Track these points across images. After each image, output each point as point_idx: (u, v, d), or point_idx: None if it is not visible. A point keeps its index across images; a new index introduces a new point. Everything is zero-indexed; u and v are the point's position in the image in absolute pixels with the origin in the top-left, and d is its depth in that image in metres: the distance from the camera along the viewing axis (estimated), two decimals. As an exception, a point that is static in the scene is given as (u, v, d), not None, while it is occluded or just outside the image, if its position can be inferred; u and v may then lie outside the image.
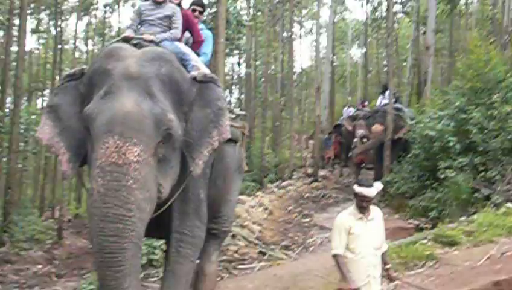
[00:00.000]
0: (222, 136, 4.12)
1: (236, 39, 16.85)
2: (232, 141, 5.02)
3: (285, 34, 25.67)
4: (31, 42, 34.32)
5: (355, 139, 16.67)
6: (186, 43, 5.05)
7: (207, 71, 4.66)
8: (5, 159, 16.06)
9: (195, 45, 5.21)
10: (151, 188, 3.46)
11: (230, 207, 5.85)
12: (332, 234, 4.39)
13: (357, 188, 4.30)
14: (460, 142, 10.33)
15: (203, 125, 4.06)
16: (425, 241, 8.07)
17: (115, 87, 3.54)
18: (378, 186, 4.47)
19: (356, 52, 40.91)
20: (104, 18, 32.96)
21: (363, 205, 4.29)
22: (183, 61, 4.42)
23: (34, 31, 31.84)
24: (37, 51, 34.63)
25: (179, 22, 4.71)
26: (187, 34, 5.16)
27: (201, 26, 5.60)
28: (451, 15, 21.38)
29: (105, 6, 32.02)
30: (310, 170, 18.40)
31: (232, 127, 4.85)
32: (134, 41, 4.28)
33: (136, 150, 3.30)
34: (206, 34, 5.58)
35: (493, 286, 5.60)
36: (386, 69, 26.95)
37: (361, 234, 4.26)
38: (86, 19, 32.01)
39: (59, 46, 24.65)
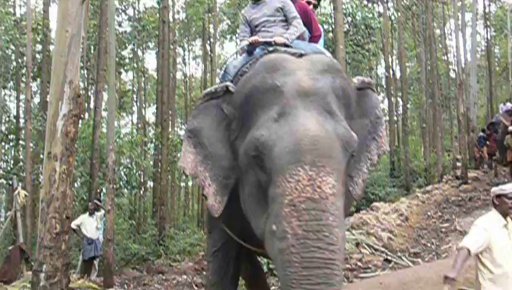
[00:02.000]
0: (381, 149, 3.62)
1: (367, 43, 16.49)
2: None
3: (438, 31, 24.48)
4: (192, 68, 37.17)
5: (507, 136, 15.47)
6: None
7: None
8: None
9: (313, 39, 4.57)
10: (344, 222, 2.96)
11: None
12: (471, 230, 3.94)
13: (499, 189, 3.88)
14: None
15: (361, 139, 3.40)
16: None
17: (289, 107, 2.95)
18: None
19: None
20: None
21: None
22: None
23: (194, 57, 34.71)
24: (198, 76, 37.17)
25: (293, 9, 4.18)
26: None
27: None
28: None
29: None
30: (459, 172, 17.21)
31: None
32: (270, 48, 3.76)
33: (330, 180, 2.76)
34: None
35: None
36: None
37: (506, 246, 3.82)
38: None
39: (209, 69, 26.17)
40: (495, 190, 3.92)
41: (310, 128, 2.81)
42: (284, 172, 2.74)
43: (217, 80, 4.35)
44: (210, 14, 28.39)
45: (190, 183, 35.12)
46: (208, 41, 29.18)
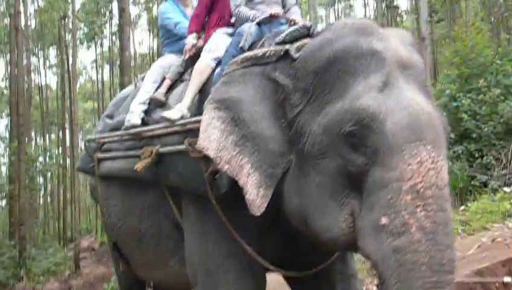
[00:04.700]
0: None
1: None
2: None
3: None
4: (47, 78, 35.27)
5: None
6: None
7: None
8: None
9: None
10: None
11: None
12: None
13: None
14: (454, 131, 10.13)
15: None
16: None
17: (392, 77, 2.43)
18: None
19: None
20: (109, 47, 33.43)
21: None
22: None
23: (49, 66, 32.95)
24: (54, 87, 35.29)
25: None
26: None
27: None
28: (449, 3, 21.11)
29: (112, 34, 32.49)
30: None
31: None
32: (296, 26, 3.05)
33: (446, 166, 2.31)
34: None
35: (475, 275, 5.47)
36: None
37: None
38: (93, 49, 32.71)
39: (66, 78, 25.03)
40: None
41: (422, 104, 2.34)
42: (401, 151, 2.22)
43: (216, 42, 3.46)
44: (65, 21, 27.23)
45: (49, 200, 33.25)
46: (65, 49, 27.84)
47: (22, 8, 19.74)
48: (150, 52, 31.40)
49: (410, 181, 2.17)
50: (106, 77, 35.32)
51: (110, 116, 4.23)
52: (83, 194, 30.23)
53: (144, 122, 3.56)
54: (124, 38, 11.58)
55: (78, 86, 31.41)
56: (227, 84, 2.73)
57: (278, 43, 2.82)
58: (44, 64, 33.40)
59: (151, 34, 31.02)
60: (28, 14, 28.00)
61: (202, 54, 3.39)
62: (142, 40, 46.54)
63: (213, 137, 2.59)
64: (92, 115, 39.67)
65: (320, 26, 3.42)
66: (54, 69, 34.39)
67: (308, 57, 2.58)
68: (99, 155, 4.00)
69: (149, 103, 3.65)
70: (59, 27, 27.43)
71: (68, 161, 26.25)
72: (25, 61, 19.30)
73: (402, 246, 2.10)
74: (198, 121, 2.83)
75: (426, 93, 2.47)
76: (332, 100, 2.45)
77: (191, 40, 3.64)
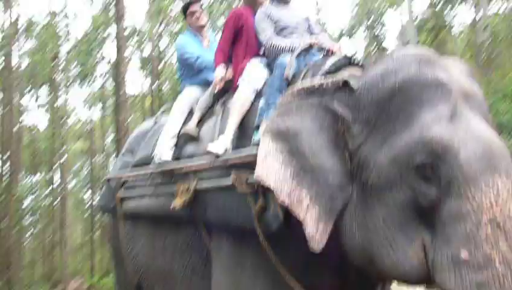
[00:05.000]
0: None
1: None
2: None
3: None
4: (36, 117, 34.92)
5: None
6: None
7: None
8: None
9: None
10: None
11: None
12: None
13: None
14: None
15: None
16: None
17: (460, 107, 2.36)
18: None
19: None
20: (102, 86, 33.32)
21: None
22: None
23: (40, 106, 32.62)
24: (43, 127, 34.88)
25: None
26: None
27: None
28: (436, 44, 21.54)
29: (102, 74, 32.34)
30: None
31: None
32: (337, 57, 3.08)
33: None
34: None
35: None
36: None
37: None
38: (85, 89, 32.56)
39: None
40: None
41: (491, 134, 2.30)
42: (477, 182, 2.14)
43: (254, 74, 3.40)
44: (57, 61, 27.16)
45: (36, 240, 32.53)
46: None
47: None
48: (140, 94, 31.27)
49: (489, 212, 2.08)
50: (96, 117, 35.05)
51: (131, 153, 4.09)
52: (71, 235, 29.64)
53: (175, 157, 3.44)
54: (119, 77, 11.61)
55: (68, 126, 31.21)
56: (284, 115, 2.64)
57: (325, 74, 2.79)
58: (36, 103, 33.20)
59: (143, 73, 31.01)
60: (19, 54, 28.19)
61: (240, 86, 3.34)
62: (133, 81, 46.42)
63: (272, 168, 2.48)
64: (81, 155, 39.30)
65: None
66: (44, 108, 34.13)
67: (369, 87, 2.51)
68: (122, 194, 3.85)
69: (178, 137, 3.54)
70: (51, 67, 27.37)
71: (57, 201, 25.85)
72: (17, 101, 19.30)
73: (486, 281, 2.01)
74: (244, 156, 2.86)
75: (489, 123, 2.41)
76: (397, 131, 2.36)
77: (219, 73, 3.60)
